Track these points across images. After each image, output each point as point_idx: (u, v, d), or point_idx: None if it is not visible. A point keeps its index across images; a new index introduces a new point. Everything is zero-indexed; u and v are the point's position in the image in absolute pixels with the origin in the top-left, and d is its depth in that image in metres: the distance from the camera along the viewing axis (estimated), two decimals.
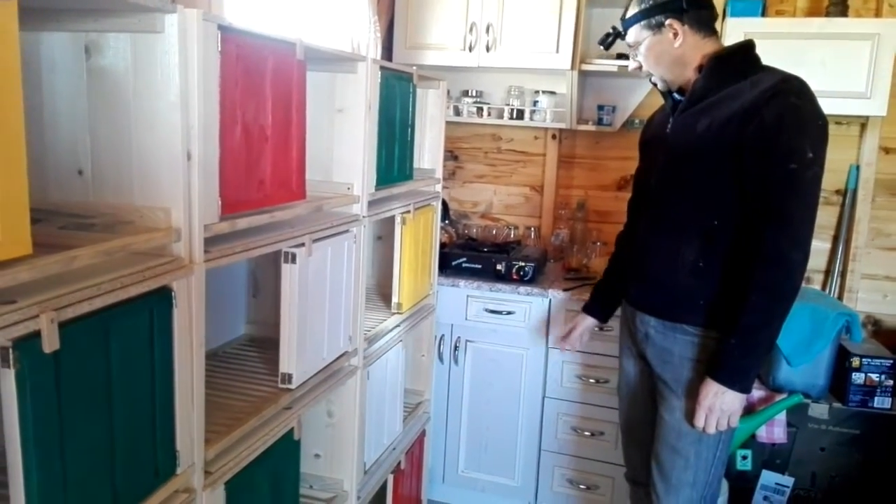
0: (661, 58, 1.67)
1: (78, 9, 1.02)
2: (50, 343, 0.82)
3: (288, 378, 1.46)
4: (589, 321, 2.05)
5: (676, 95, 1.73)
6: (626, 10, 1.70)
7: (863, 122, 2.65)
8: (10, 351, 0.78)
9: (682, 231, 1.65)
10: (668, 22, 1.63)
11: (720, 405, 1.57)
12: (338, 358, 1.66)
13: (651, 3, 1.64)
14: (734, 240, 1.59)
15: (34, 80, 1.08)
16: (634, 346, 1.82)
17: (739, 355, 1.55)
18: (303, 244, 1.42)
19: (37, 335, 0.80)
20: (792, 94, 1.52)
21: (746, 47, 1.65)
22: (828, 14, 2.51)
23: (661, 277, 1.70)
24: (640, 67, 1.73)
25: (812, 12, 2.64)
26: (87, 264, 0.89)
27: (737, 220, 1.58)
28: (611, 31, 1.78)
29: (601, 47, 1.83)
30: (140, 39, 1.03)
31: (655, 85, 1.79)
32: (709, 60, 1.63)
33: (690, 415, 1.63)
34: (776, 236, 1.51)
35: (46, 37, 1.07)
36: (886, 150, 2.65)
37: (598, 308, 2.03)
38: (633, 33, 1.69)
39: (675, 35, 1.63)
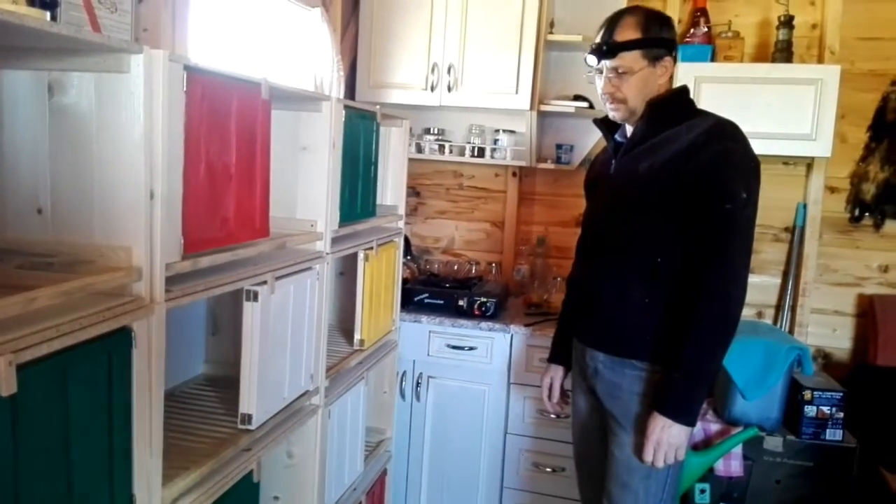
0: (645, 88, 1.67)
1: (42, 48, 1.01)
2: (7, 386, 0.80)
3: (248, 419, 1.44)
4: (560, 370, 2.01)
5: (618, 138, 1.79)
6: (613, 31, 1.65)
7: (809, 163, 2.75)
8: None
9: (628, 269, 1.69)
10: (666, 58, 1.67)
11: (667, 439, 1.59)
12: (299, 397, 1.64)
13: (653, 35, 1.64)
14: (677, 276, 1.63)
15: None
16: (584, 381, 1.83)
17: (684, 388, 1.58)
18: (265, 282, 1.41)
19: None
20: (725, 137, 1.59)
21: (681, 93, 1.73)
22: (773, 60, 2.62)
23: (609, 314, 1.73)
24: (613, 92, 1.67)
25: (759, 58, 2.77)
26: (46, 305, 0.88)
27: (678, 257, 1.62)
28: (596, 47, 1.67)
29: (589, 68, 1.72)
30: (105, 79, 1.03)
31: (599, 126, 1.84)
32: (647, 106, 1.68)
33: (639, 450, 1.64)
34: (715, 272, 1.56)
35: (8, 75, 1.06)
36: (832, 190, 2.76)
37: (563, 355, 1.99)
38: (629, 60, 1.64)
39: (665, 71, 1.68)
